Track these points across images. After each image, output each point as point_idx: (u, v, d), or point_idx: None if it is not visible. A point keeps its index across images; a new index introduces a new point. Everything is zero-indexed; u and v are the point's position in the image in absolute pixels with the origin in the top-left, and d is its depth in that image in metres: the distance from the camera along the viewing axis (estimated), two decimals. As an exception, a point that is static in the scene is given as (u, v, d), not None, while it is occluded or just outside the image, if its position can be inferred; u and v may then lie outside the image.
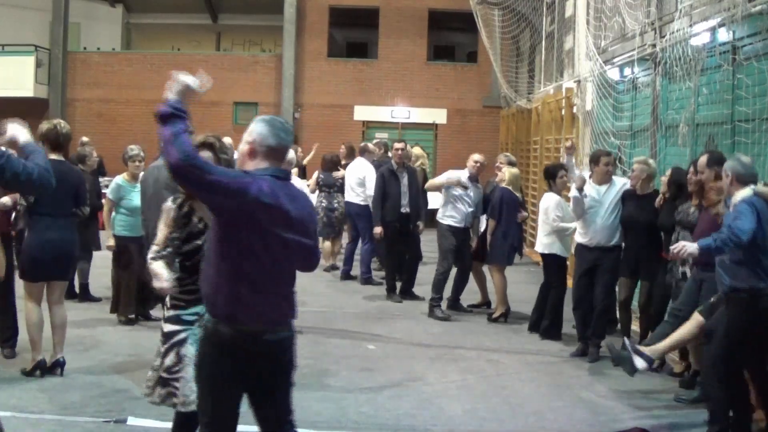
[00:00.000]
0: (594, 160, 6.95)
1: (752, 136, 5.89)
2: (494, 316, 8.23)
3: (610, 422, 5.26)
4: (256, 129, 3.22)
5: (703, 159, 5.56)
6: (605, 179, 6.80)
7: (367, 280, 10.04)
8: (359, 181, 10.14)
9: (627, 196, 6.71)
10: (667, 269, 6.15)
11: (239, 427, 3.34)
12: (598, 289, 6.71)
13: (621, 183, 6.86)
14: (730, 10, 6.08)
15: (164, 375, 3.79)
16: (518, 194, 8.31)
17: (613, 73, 9.50)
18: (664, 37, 7.67)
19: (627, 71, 9.16)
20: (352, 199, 10.28)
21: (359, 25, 22.60)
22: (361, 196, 10.11)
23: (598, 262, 6.72)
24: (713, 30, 6.57)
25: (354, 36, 23.72)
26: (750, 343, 4.76)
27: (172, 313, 3.81)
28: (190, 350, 3.70)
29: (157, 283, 3.59)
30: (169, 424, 4.72)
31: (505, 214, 8.11)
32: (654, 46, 7.93)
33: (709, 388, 4.85)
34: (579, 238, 6.92)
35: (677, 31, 7.12)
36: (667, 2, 8.07)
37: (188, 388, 3.66)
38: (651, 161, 6.99)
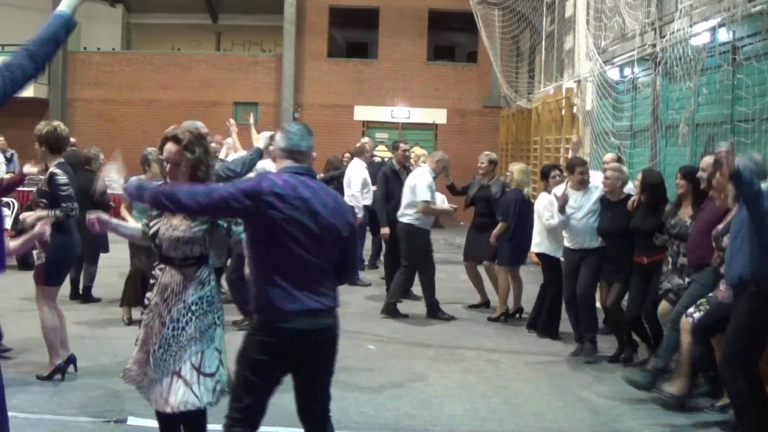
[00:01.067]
0: (570, 168, 7.14)
1: (752, 136, 5.89)
2: (494, 315, 8.23)
3: (611, 422, 5.26)
4: (276, 136, 3.58)
5: (708, 159, 5.60)
6: (581, 186, 6.96)
7: (353, 282, 10.01)
8: (347, 181, 10.18)
9: (602, 203, 6.79)
10: (661, 275, 6.13)
11: (217, 427, 3.50)
12: (579, 280, 6.82)
13: (597, 186, 6.96)
14: (730, 10, 6.08)
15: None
16: (527, 189, 8.25)
17: (613, 73, 9.49)
18: (664, 37, 7.67)
19: (627, 71, 9.16)
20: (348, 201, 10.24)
21: (359, 25, 22.61)
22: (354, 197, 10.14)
23: (582, 261, 6.85)
24: (713, 30, 6.57)
25: (354, 36, 23.73)
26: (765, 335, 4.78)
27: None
28: (140, 333, 3.91)
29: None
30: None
31: (516, 217, 8.09)
32: (654, 46, 7.92)
33: (730, 385, 4.81)
34: (565, 241, 7.08)
35: (677, 31, 7.12)
36: (667, 2, 8.07)
37: (134, 369, 3.87)
38: (624, 168, 7.11)
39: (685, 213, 5.95)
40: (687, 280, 5.78)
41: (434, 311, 8.26)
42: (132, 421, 4.81)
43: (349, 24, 22.73)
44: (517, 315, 8.27)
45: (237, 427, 3.36)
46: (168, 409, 3.66)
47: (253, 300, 3.39)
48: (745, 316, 4.70)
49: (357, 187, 9.98)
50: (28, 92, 21.03)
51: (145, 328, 3.85)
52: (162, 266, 3.83)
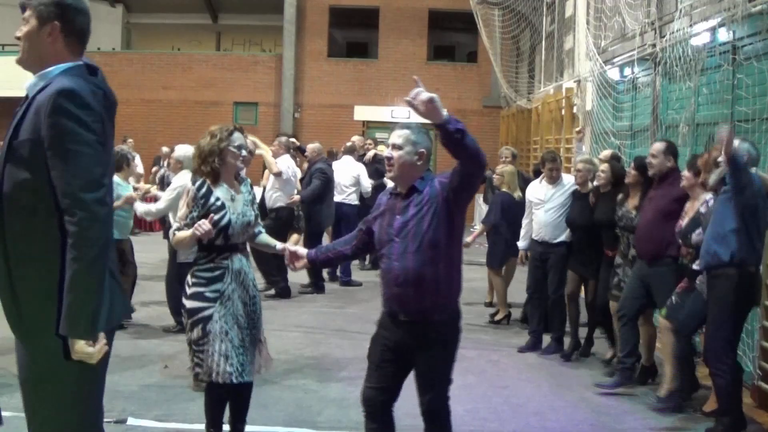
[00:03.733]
0: (542, 162, 7.24)
1: (752, 136, 5.88)
2: (497, 318, 8.23)
3: (612, 422, 5.26)
4: (423, 139, 3.65)
5: (657, 145, 5.82)
6: (552, 180, 7.04)
7: (347, 282, 10.03)
8: (353, 179, 10.19)
9: (573, 196, 6.87)
10: (614, 267, 6.17)
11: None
12: (549, 282, 6.91)
13: (569, 180, 7.03)
14: (730, 10, 6.08)
15: (193, 347, 4.03)
16: (518, 193, 8.24)
17: (613, 73, 9.50)
18: (664, 37, 7.67)
19: (627, 71, 9.17)
20: (343, 200, 10.18)
21: (359, 25, 22.61)
22: (353, 196, 10.17)
23: (545, 257, 6.95)
24: (713, 30, 6.58)
25: (354, 36, 23.73)
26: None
27: (193, 290, 4.03)
28: (215, 327, 3.96)
29: (196, 232, 3.91)
30: (170, 425, 4.73)
31: (501, 219, 8.09)
32: (654, 46, 7.93)
33: (718, 378, 4.82)
34: (533, 233, 7.18)
35: (677, 31, 7.12)
36: (667, 2, 8.08)
37: (213, 362, 3.94)
38: (595, 160, 7.18)
39: (631, 204, 5.99)
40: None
41: None
42: (132, 421, 4.81)
43: (349, 24, 22.74)
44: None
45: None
46: (263, 370, 4.25)
47: (452, 295, 3.61)
48: (727, 301, 4.73)
49: (346, 183, 10.15)
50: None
51: (225, 318, 4.00)
52: (226, 255, 4.06)
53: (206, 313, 3.97)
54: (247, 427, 4.37)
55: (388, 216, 3.61)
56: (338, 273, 10.18)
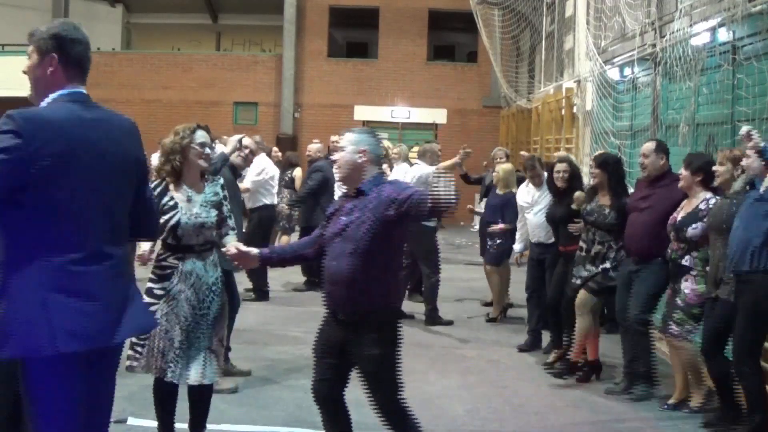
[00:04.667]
0: (525, 168, 7.37)
1: (752, 136, 5.89)
2: (491, 315, 8.24)
3: (612, 422, 5.26)
4: (366, 139, 3.68)
5: (648, 144, 5.88)
6: (538, 184, 7.13)
7: None
8: None
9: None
10: (573, 267, 6.10)
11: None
12: (548, 283, 6.85)
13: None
14: (730, 10, 6.08)
15: (132, 340, 4.04)
16: (515, 189, 8.26)
17: (613, 73, 9.50)
18: (664, 37, 7.67)
19: (627, 71, 9.16)
20: None
21: (359, 25, 22.61)
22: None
23: (542, 258, 6.98)
24: (713, 30, 6.57)
25: (354, 36, 23.73)
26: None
27: (147, 285, 4.08)
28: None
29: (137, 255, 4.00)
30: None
31: (501, 217, 8.12)
32: (654, 46, 7.92)
33: (749, 380, 4.75)
34: (529, 235, 7.22)
35: (677, 31, 7.12)
36: (667, 2, 8.07)
37: (152, 357, 4.01)
38: (572, 158, 7.28)
39: (604, 201, 5.94)
40: (602, 266, 5.84)
41: (434, 318, 8.10)
42: (132, 421, 4.80)
43: (349, 24, 22.74)
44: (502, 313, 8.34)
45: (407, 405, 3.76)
46: (206, 381, 4.04)
47: (386, 298, 3.70)
48: (757, 309, 4.60)
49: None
50: (28, 92, 21.02)
51: (167, 317, 4.01)
52: (179, 255, 4.05)
53: (151, 309, 3.95)
54: (248, 427, 4.37)
55: (337, 215, 3.69)
56: None
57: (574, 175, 6.45)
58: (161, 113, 20.47)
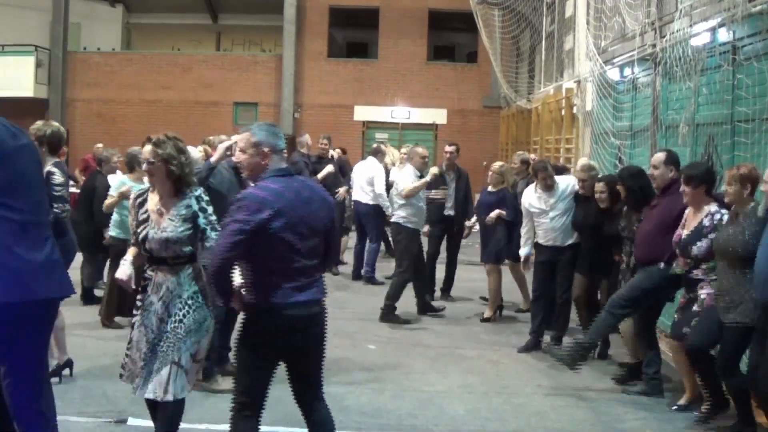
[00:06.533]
0: (534, 173, 7.29)
1: (752, 136, 5.88)
2: (485, 315, 8.24)
3: (613, 422, 5.26)
4: (265, 137, 3.60)
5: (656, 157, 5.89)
6: (548, 188, 7.04)
7: (370, 279, 10.14)
8: (369, 179, 10.25)
9: (576, 198, 6.94)
10: (620, 270, 6.30)
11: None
12: (557, 283, 6.95)
13: (565, 184, 7.04)
14: (730, 10, 6.07)
15: (126, 348, 4.09)
16: (509, 189, 8.31)
17: (613, 73, 9.50)
18: (664, 37, 7.67)
19: (627, 71, 9.16)
20: (360, 199, 10.40)
21: (359, 25, 22.63)
22: (369, 195, 10.21)
23: (555, 260, 6.97)
24: (713, 30, 6.57)
25: (354, 36, 23.74)
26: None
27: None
28: (134, 334, 4.03)
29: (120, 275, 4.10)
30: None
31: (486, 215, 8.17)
32: (654, 46, 7.92)
33: (732, 382, 4.80)
34: (538, 238, 7.18)
35: (677, 31, 7.11)
36: (667, 2, 8.07)
37: (131, 366, 4.00)
38: (594, 164, 7.38)
39: (635, 215, 6.07)
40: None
41: (389, 315, 7.95)
42: (132, 421, 4.81)
43: (349, 24, 22.75)
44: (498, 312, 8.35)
45: (246, 410, 3.55)
46: (169, 397, 3.87)
47: (249, 296, 3.54)
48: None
49: (380, 189, 10.18)
50: (28, 92, 21.06)
51: (140, 328, 4.01)
52: (153, 267, 4.04)
53: (133, 320, 4.07)
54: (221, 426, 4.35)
55: None
56: (362, 272, 10.29)
57: (612, 192, 6.40)
58: (161, 113, 20.49)
